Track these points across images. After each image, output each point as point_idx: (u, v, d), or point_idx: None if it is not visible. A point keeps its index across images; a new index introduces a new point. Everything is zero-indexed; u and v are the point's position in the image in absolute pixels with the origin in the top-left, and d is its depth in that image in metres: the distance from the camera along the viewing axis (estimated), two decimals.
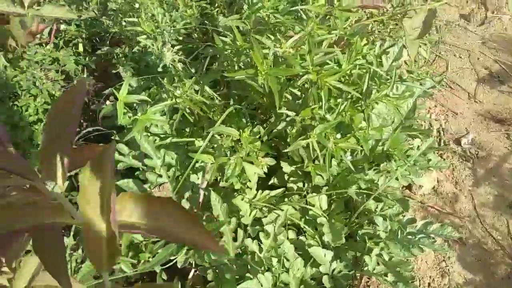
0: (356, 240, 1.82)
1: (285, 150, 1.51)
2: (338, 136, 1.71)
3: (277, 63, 1.49)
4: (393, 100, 1.50)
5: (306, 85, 1.48)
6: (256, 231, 1.56)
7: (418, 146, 1.85)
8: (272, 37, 1.74)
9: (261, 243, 1.54)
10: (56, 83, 2.16)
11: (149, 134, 1.87)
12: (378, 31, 2.12)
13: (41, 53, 2.15)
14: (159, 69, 1.72)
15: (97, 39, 2.50)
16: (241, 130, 1.48)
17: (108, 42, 2.37)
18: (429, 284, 2.05)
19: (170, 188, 1.68)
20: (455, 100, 2.87)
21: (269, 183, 1.91)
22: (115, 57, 2.20)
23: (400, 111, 1.94)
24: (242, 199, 1.64)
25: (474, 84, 2.99)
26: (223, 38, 1.65)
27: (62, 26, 2.38)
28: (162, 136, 1.89)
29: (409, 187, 2.20)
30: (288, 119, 1.54)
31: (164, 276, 1.65)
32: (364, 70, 1.79)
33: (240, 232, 1.54)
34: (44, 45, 2.27)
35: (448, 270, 2.06)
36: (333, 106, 1.57)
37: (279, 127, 1.52)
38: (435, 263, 2.09)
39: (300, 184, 1.85)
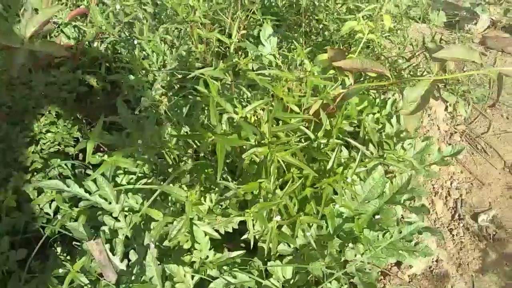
0: None
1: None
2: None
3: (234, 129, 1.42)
4: (349, 184, 1.37)
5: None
6: None
7: (401, 230, 1.69)
8: (249, 93, 1.67)
9: None
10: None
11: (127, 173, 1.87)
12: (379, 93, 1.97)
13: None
14: (136, 112, 1.70)
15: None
16: (188, 192, 1.42)
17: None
18: None
19: (128, 233, 1.66)
20: (487, 168, 2.59)
21: (242, 238, 1.84)
22: (119, 87, 2.24)
23: (394, 184, 1.80)
24: (190, 260, 1.58)
25: None
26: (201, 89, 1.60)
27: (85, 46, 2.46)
28: (140, 176, 1.88)
29: (398, 264, 2.01)
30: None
31: None
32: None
33: None
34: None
35: None
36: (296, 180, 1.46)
37: (227, 195, 1.44)
38: None
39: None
